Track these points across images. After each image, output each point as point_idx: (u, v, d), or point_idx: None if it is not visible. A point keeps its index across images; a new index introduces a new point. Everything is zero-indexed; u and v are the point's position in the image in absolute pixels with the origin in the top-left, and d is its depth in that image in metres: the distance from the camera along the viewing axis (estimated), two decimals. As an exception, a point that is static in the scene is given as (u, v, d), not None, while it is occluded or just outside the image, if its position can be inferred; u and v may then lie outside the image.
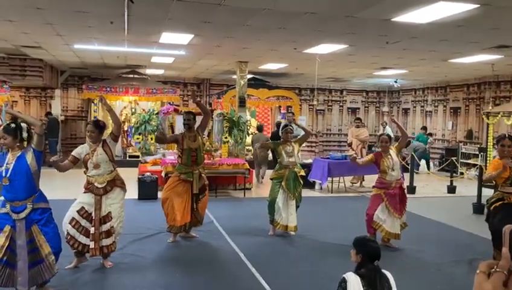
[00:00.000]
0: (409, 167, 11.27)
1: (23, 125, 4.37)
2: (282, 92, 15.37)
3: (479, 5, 5.70)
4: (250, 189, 10.79)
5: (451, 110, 16.06)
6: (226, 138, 11.27)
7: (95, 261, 5.28)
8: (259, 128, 13.01)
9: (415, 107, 18.13)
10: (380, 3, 5.80)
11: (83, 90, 14.69)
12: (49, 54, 11.57)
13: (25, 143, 4.34)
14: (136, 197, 9.14)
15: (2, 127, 4.39)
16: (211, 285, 4.94)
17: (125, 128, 14.78)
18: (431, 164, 15.55)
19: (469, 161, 14.14)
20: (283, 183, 6.68)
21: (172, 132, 11.43)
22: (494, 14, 6.23)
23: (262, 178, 11.95)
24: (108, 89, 14.24)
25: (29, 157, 4.26)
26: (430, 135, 15.77)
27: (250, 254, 5.87)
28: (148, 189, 9.32)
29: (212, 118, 10.87)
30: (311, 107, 18.80)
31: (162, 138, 6.49)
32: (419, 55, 10.13)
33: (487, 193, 7.30)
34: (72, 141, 15.79)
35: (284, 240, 6.74)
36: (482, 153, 12.57)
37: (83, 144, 5.42)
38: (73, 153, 5.16)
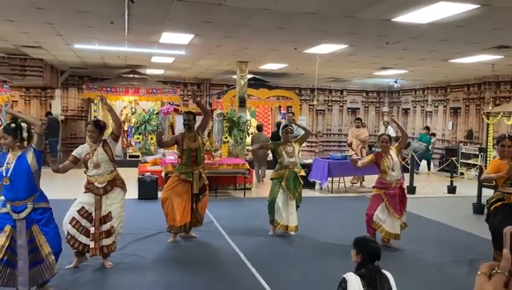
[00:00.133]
0: (409, 167, 11.27)
1: (23, 125, 4.37)
2: (282, 92, 15.37)
3: (479, 6, 5.70)
4: (250, 189, 10.79)
5: (452, 111, 16.06)
6: (226, 138, 11.27)
7: (95, 261, 5.28)
8: (259, 128, 13.01)
9: (415, 107, 18.13)
10: (380, 3, 5.80)
11: (83, 90, 14.69)
12: (49, 53, 11.57)
13: (25, 143, 4.34)
14: (136, 197, 9.14)
15: (2, 127, 4.39)
16: (211, 285, 4.94)
17: (125, 128, 14.79)
18: (431, 164, 15.54)
19: (469, 161, 14.14)
20: (283, 183, 6.68)
21: (173, 132, 11.41)
22: (495, 15, 6.23)
23: (263, 177, 11.95)
24: (108, 89, 14.24)
25: (30, 157, 4.26)
26: (434, 135, 15.75)
27: (250, 254, 5.88)
28: (148, 189, 9.32)
29: (212, 118, 10.87)
30: (311, 107, 18.81)
31: (162, 142, 6.49)
32: (419, 56, 10.14)
33: (487, 193, 7.30)
34: (72, 140, 15.79)
35: (284, 240, 6.74)
36: (482, 153, 12.57)
37: (83, 143, 5.43)
38: (74, 153, 5.16)
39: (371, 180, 9.80)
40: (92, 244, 5.03)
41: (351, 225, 7.15)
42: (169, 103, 14.33)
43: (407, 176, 10.32)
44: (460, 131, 15.59)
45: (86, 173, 5.16)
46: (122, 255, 5.66)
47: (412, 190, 10.60)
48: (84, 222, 5.06)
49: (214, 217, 7.78)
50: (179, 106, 14.56)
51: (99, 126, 5.18)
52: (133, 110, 15.12)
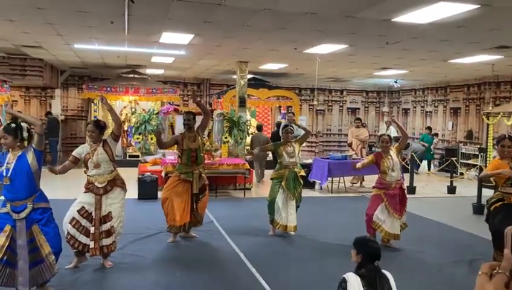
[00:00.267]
0: (409, 168, 11.27)
1: (24, 125, 4.37)
2: (282, 92, 15.37)
3: (479, 6, 5.70)
4: (250, 189, 10.79)
5: (451, 111, 16.06)
6: (226, 138, 11.27)
7: (95, 261, 5.28)
8: (259, 128, 13.01)
9: (415, 107, 18.13)
10: (380, 3, 5.80)
11: (83, 90, 14.69)
12: (49, 53, 11.57)
13: (26, 143, 4.34)
14: (136, 197, 9.14)
15: (2, 127, 4.39)
16: (211, 285, 4.94)
17: (125, 128, 14.79)
18: (431, 164, 15.54)
19: (469, 161, 14.14)
20: (283, 183, 6.68)
21: (173, 132, 11.41)
22: (495, 15, 6.23)
23: (262, 178, 11.95)
24: (108, 88, 14.24)
25: (30, 157, 4.26)
26: (436, 135, 15.73)
27: (250, 254, 5.88)
28: (148, 189, 9.32)
29: (212, 118, 10.86)
30: (311, 107, 18.81)
31: (162, 142, 6.49)
32: (419, 56, 10.14)
33: (487, 193, 7.30)
34: (72, 140, 15.79)
35: (284, 240, 6.74)
36: (482, 154, 12.58)
37: (83, 143, 5.43)
38: (74, 153, 5.16)
39: (370, 180, 9.80)
40: (92, 244, 5.03)
41: (351, 225, 7.15)
42: (169, 103, 14.33)
43: (407, 176, 10.32)
44: (460, 131, 15.59)
45: (86, 173, 5.17)
46: (122, 255, 5.66)
47: (412, 190, 10.60)
48: (84, 222, 5.06)
49: (213, 217, 7.78)
50: (179, 106, 14.56)
51: (100, 126, 5.18)
52: (133, 110, 15.11)
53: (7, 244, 4.16)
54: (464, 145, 14.87)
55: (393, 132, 13.81)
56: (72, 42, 9.72)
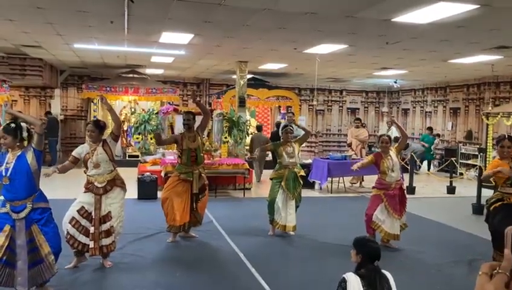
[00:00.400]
0: (409, 168, 11.27)
1: (23, 124, 4.37)
2: (282, 92, 15.37)
3: (479, 6, 5.70)
4: (249, 189, 10.78)
5: (451, 111, 16.06)
6: (225, 138, 11.27)
7: (94, 261, 5.27)
8: (259, 128, 13.02)
9: (414, 107, 18.13)
10: (380, 3, 5.80)
11: (82, 90, 14.68)
12: (49, 53, 11.56)
13: (25, 143, 4.34)
14: (136, 197, 9.14)
15: (2, 127, 4.39)
16: (211, 285, 4.94)
17: (125, 128, 14.78)
18: (431, 164, 15.54)
19: (468, 162, 14.15)
20: (283, 183, 6.68)
21: (172, 131, 11.42)
22: (494, 15, 6.23)
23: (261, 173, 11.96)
24: (108, 88, 14.23)
25: (30, 156, 4.26)
26: (438, 135, 15.71)
27: (250, 254, 5.87)
28: (147, 189, 9.32)
29: (212, 118, 10.86)
30: (311, 107, 18.81)
31: (161, 140, 6.50)
32: (419, 56, 10.14)
33: (487, 193, 7.30)
34: (72, 140, 15.79)
35: (283, 240, 6.73)
36: (481, 154, 12.56)
37: (82, 143, 5.43)
38: (74, 153, 5.16)
39: (370, 180, 9.80)
40: (91, 244, 5.03)
41: (350, 225, 7.15)
42: (169, 103, 14.34)
43: (406, 176, 10.32)
44: (460, 131, 15.60)
45: (85, 173, 5.16)
46: (121, 255, 5.66)
47: (411, 190, 10.60)
48: (83, 222, 5.06)
49: (213, 217, 7.78)
50: (179, 106, 14.56)
51: (99, 126, 5.18)
52: (133, 110, 15.11)
53: (6, 244, 4.15)
54: (463, 145, 14.87)
55: (394, 132, 13.81)
56: (72, 42, 9.72)
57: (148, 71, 15.39)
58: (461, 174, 13.51)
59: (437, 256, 6.07)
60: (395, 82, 15.89)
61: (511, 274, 0.97)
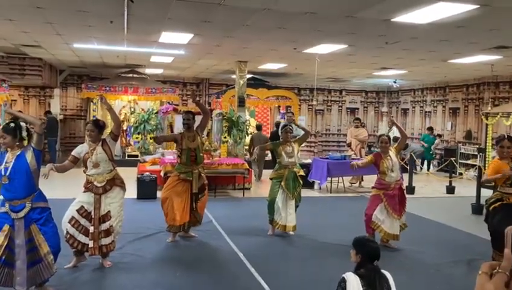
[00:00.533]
0: (408, 168, 11.28)
1: (23, 124, 4.36)
2: (281, 92, 15.37)
3: (478, 6, 5.71)
4: (249, 189, 10.78)
5: (450, 111, 16.07)
6: (225, 137, 11.27)
7: (94, 260, 5.27)
8: (258, 127, 13.03)
9: (414, 107, 18.14)
10: (380, 3, 5.80)
11: (82, 90, 14.69)
12: (48, 53, 11.56)
13: (25, 142, 4.34)
14: (135, 196, 9.13)
15: (1, 127, 4.38)
16: (210, 284, 4.94)
17: (124, 128, 14.78)
18: (431, 164, 15.54)
19: (468, 162, 14.15)
20: (283, 183, 6.68)
21: (172, 131, 11.43)
22: (494, 15, 6.23)
23: (260, 178, 11.95)
24: (107, 88, 14.23)
25: (29, 156, 4.26)
26: (439, 136, 15.71)
27: (249, 254, 5.87)
28: (147, 188, 9.31)
29: (212, 117, 10.86)
30: (311, 107, 18.81)
31: (160, 138, 6.51)
32: (419, 56, 10.14)
33: (486, 193, 7.30)
34: (71, 140, 15.79)
35: (283, 240, 6.73)
36: (481, 154, 12.56)
37: (81, 143, 5.42)
38: (73, 153, 5.16)
39: (369, 180, 9.81)
40: (91, 244, 5.03)
41: (350, 225, 7.15)
42: (169, 103, 14.35)
43: (406, 176, 10.32)
44: (459, 131, 15.61)
45: (85, 173, 5.16)
46: (121, 254, 5.65)
47: (411, 190, 10.61)
48: (83, 221, 5.05)
49: (213, 217, 7.78)
50: (178, 106, 14.57)
51: (99, 125, 5.18)
52: (132, 109, 15.11)
53: (5, 243, 4.15)
54: (462, 145, 14.88)
55: (396, 132, 13.81)
56: (72, 42, 9.72)
57: (148, 71, 15.39)
58: (460, 174, 13.52)
59: (436, 256, 6.07)
60: (395, 82, 15.89)
61: (510, 274, 0.97)
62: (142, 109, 14.31)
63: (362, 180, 11.96)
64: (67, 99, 16.36)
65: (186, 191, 6.31)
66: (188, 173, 6.31)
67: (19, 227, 4.22)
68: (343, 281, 2.88)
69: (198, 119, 6.51)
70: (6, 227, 4.18)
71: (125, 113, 15.29)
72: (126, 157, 14.55)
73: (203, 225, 6.80)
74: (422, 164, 14.81)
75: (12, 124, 4.31)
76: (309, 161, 11.78)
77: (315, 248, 6.34)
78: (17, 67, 12.51)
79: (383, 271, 3.00)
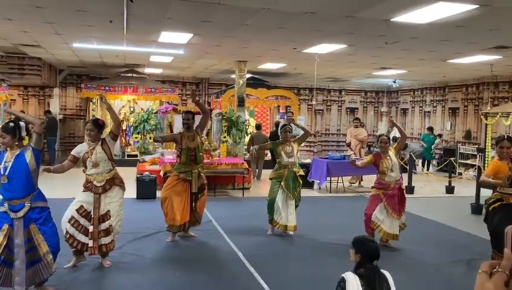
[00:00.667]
0: (407, 168, 11.28)
1: (22, 124, 4.36)
2: (281, 91, 15.36)
3: (478, 6, 5.71)
4: (248, 188, 10.78)
5: (450, 111, 16.08)
6: (224, 137, 11.27)
7: (93, 260, 5.27)
8: (258, 126, 13.03)
9: (413, 107, 18.15)
10: (379, 3, 5.80)
11: (81, 89, 14.68)
12: (47, 52, 11.55)
13: (24, 142, 4.34)
14: (135, 196, 9.12)
15: (0, 126, 4.38)
16: (210, 284, 4.94)
17: (124, 128, 14.77)
18: (430, 164, 15.54)
19: (467, 161, 14.16)
20: (282, 183, 6.68)
21: (171, 131, 11.43)
22: (494, 15, 6.23)
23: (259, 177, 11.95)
24: (107, 88, 14.22)
25: (28, 155, 4.25)
26: (440, 136, 15.71)
27: (249, 254, 5.87)
28: (146, 188, 9.30)
29: (211, 117, 10.86)
30: (310, 107, 18.81)
31: (159, 138, 6.52)
32: (418, 56, 10.15)
33: (485, 193, 7.31)
34: (71, 139, 15.78)
35: (282, 239, 6.74)
36: (480, 154, 12.57)
37: (81, 142, 5.42)
38: (73, 152, 5.16)
39: (369, 180, 9.81)
40: (90, 243, 5.02)
41: (349, 224, 7.15)
42: (168, 102, 14.35)
43: (405, 176, 10.32)
44: (459, 131, 15.61)
45: (84, 172, 5.16)
46: (121, 254, 5.65)
47: (410, 189, 10.61)
48: (82, 221, 5.05)
49: (212, 217, 7.78)
50: (178, 105, 14.57)
51: (98, 125, 5.18)
52: (132, 109, 15.11)
53: (5, 243, 4.15)
54: (462, 145, 14.89)
55: (396, 132, 13.82)
56: (71, 41, 9.71)
57: (147, 71, 15.39)
58: (460, 174, 13.52)
59: (436, 256, 6.08)
60: (394, 82, 15.89)
61: (510, 273, 0.97)
62: (142, 109, 14.31)
63: (362, 180, 11.97)
64: (66, 99, 16.35)
65: (186, 191, 6.31)
66: (187, 173, 6.31)
67: (18, 227, 4.21)
68: (343, 280, 2.88)
69: (197, 119, 6.51)
70: (5, 227, 4.18)
71: (125, 113, 15.29)
72: (125, 157, 14.54)
73: (202, 224, 6.80)
74: (423, 164, 14.80)
75: (11, 124, 4.30)
76: (308, 160, 11.78)
77: (315, 248, 6.34)
78: (16, 67, 12.50)
79: (383, 271, 3.00)
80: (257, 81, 15.04)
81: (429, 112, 17.18)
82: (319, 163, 10.88)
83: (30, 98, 15.76)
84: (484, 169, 8.44)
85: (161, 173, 9.49)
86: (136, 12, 6.79)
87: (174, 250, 6.15)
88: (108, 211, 5.10)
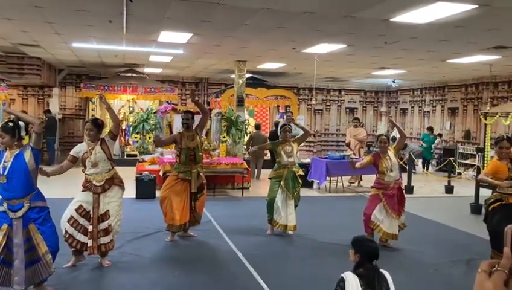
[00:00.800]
0: (407, 168, 11.28)
1: (21, 123, 4.36)
2: (280, 91, 15.36)
3: (477, 6, 5.71)
4: (248, 188, 10.78)
5: (449, 111, 16.09)
6: (224, 137, 11.27)
7: (92, 260, 5.27)
8: (257, 126, 13.03)
9: (413, 107, 18.15)
10: (379, 3, 5.80)
11: (80, 89, 14.67)
12: (47, 52, 11.54)
13: (24, 141, 4.34)
14: (134, 196, 9.12)
15: (0, 126, 4.38)
16: (209, 284, 4.94)
17: (123, 127, 14.76)
18: (429, 164, 15.54)
19: (467, 161, 14.16)
20: (282, 183, 6.68)
21: (171, 131, 11.42)
22: (493, 15, 6.24)
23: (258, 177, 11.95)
24: (106, 87, 14.22)
25: (28, 155, 4.25)
26: (440, 135, 15.72)
27: (248, 253, 5.88)
28: (146, 188, 9.30)
29: (211, 117, 10.86)
30: (310, 106, 18.81)
31: (161, 141, 6.51)
32: (418, 56, 10.15)
33: (484, 193, 7.32)
34: (70, 139, 15.77)
35: (282, 239, 6.74)
36: (479, 154, 12.59)
37: (80, 142, 5.42)
38: (72, 152, 5.15)
39: (368, 180, 9.81)
40: (89, 243, 5.02)
41: (349, 224, 7.15)
42: (167, 102, 14.33)
43: (404, 175, 10.32)
44: (458, 131, 15.62)
45: (83, 172, 5.16)
46: (120, 254, 5.65)
47: (409, 189, 10.61)
48: (82, 221, 5.05)
49: (212, 217, 7.78)
50: (177, 105, 14.56)
51: (98, 124, 5.18)
52: (131, 109, 15.10)
53: (4, 243, 4.15)
54: (461, 145, 14.90)
55: (396, 132, 13.82)
56: (70, 41, 9.70)
57: (147, 70, 15.38)
58: (459, 174, 13.53)
59: (435, 255, 6.08)
60: (394, 82, 15.90)
61: (509, 272, 0.97)
62: (141, 109, 14.29)
63: (361, 179, 11.97)
64: (66, 99, 16.34)
65: (185, 191, 6.31)
66: (186, 173, 6.31)
67: (17, 226, 4.21)
68: (342, 280, 2.88)
69: (197, 118, 6.51)
70: (4, 226, 4.18)
71: (124, 113, 15.27)
72: (125, 157, 14.55)
73: (202, 224, 6.80)
74: (423, 164, 14.80)
75: (10, 124, 4.30)
76: (308, 160, 11.78)
77: (314, 248, 6.34)
78: (15, 67, 12.49)
79: (382, 271, 3.00)
80: (256, 81, 15.04)
81: (428, 111, 17.18)
82: (318, 163, 10.88)
83: (29, 97, 15.75)
84: (483, 169, 8.44)
85: (160, 173, 9.48)
86: (136, 12, 6.78)
87: (174, 250, 6.14)
88: (108, 210, 5.10)
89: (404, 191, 6.68)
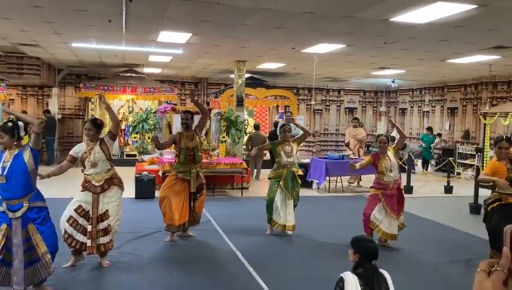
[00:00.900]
0: (406, 167, 11.29)
1: (21, 124, 4.36)
2: (280, 91, 15.37)
3: (477, 6, 5.71)
4: (247, 188, 10.78)
5: (449, 111, 16.10)
6: (223, 137, 11.27)
7: (92, 260, 5.27)
8: (256, 127, 13.02)
9: (412, 107, 18.16)
10: (378, 3, 5.80)
11: (80, 89, 14.67)
12: (46, 52, 11.54)
13: (24, 142, 4.33)
14: (133, 196, 9.12)
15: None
16: (209, 284, 4.94)
17: (123, 127, 14.76)
18: (429, 164, 15.54)
19: (466, 161, 14.17)
20: (281, 183, 6.68)
21: (170, 131, 11.41)
22: (492, 15, 6.24)
23: (257, 177, 11.94)
24: (105, 87, 14.21)
25: (27, 155, 4.25)
26: (439, 135, 15.72)
27: (248, 253, 5.88)
28: (145, 188, 9.29)
29: (210, 117, 10.86)
30: (309, 106, 18.81)
31: (160, 144, 6.51)
32: (417, 56, 10.15)
33: (484, 193, 7.32)
34: (69, 139, 15.77)
35: (281, 239, 6.74)
36: (478, 154, 12.61)
37: (80, 142, 5.42)
38: (71, 152, 5.15)
39: (368, 180, 9.81)
40: (89, 243, 5.02)
41: (348, 224, 7.15)
42: (167, 102, 14.33)
43: (404, 176, 10.33)
44: (457, 131, 15.63)
45: (83, 172, 5.16)
46: (119, 254, 5.65)
47: (409, 189, 10.61)
48: (81, 221, 5.05)
49: (211, 216, 7.78)
50: (177, 105, 14.56)
51: (97, 124, 5.18)
52: (131, 109, 15.10)
53: (3, 243, 4.15)
54: (460, 145, 14.91)
55: (396, 132, 13.82)
56: (70, 41, 9.70)
57: (146, 70, 15.37)
58: (458, 174, 13.54)
59: (434, 255, 6.08)
60: (393, 82, 15.91)
61: (509, 272, 0.97)
62: (141, 109, 14.30)
63: (360, 179, 11.97)
64: (65, 99, 16.33)
65: (185, 191, 6.31)
66: (186, 173, 6.31)
67: (16, 226, 4.21)
68: (341, 280, 2.88)
69: (196, 118, 6.50)
70: (3, 226, 4.18)
71: (124, 113, 15.27)
72: (124, 157, 14.55)
73: (201, 224, 6.80)
74: (423, 164, 14.80)
75: (10, 124, 4.30)
76: (307, 160, 11.79)
77: (313, 247, 6.35)
78: (15, 67, 12.48)
79: (381, 270, 3.00)
80: (256, 81, 15.04)
81: (428, 111, 17.19)
82: (317, 163, 10.89)
83: (29, 97, 15.74)
84: (482, 169, 8.45)
85: (160, 173, 9.49)
86: (135, 12, 6.78)
87: (173, 250, 6.14)
88: (107, 210, 5.10)
89: (403, 191, 6.68)
